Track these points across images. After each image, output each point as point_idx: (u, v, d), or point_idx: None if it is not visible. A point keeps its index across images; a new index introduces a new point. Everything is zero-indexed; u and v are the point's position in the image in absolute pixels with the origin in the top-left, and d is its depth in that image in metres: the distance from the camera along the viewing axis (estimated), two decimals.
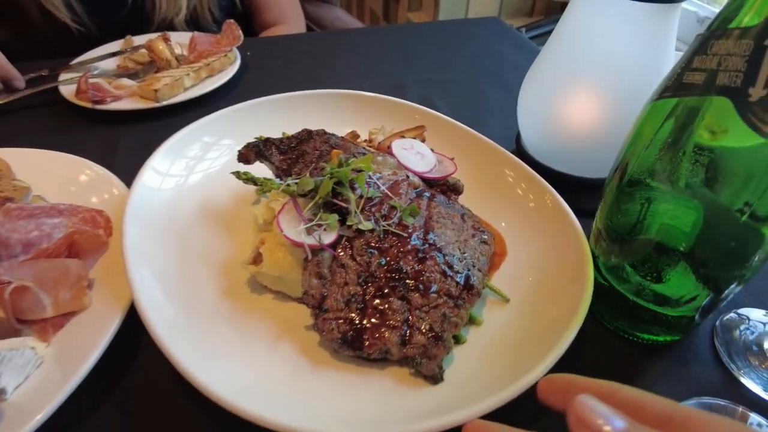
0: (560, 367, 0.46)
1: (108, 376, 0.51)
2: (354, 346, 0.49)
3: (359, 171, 0.56)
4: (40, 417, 0.45)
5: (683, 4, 0.63)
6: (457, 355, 0.51)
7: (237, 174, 0.60)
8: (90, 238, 0.60)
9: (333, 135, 0.66)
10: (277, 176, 0.62)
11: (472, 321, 0.55)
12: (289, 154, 0.62)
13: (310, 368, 0.50)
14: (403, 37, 1.28)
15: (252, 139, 0.66)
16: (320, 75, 1.06)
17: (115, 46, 1.07)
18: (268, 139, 0.64)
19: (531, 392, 0.41)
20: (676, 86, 0.45)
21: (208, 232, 0.64)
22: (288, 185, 0.56)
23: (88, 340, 0.51)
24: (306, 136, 0.64)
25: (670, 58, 0.66)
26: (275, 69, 1.08)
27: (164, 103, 0.89)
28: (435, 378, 0.48)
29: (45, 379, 0.49)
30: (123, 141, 0.84)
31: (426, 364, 0.48)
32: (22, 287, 0.52)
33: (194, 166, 0.69)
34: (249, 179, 0.60)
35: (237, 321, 0.54)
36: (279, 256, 0.54)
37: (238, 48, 1.04)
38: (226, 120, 0.73)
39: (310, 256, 0.51)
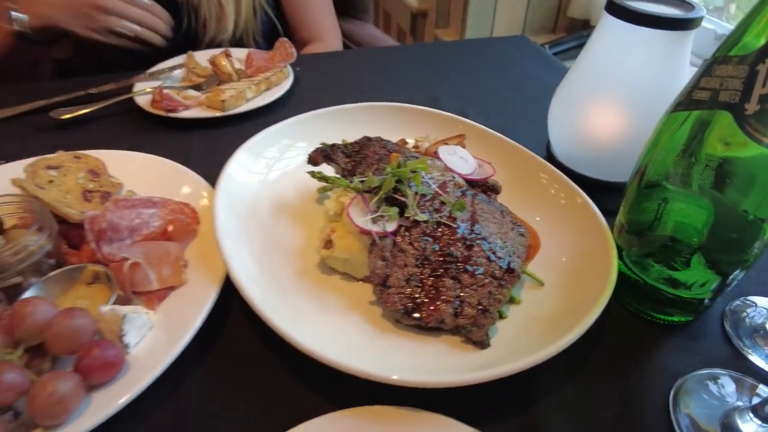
0: (586, 339, 0.55)
1: (203, 340, 0.60)
2: (414, 316, 0.58)
3: (414, 171, 0.66)
4: (156, 371, 0.54)
5: (703, 22, 0.72)
6: (499, 328, 0.61)
7: (312, 173, 0.71)
8: (182, 226, 0.70)
9: (389, 141, 0.76)
10: (342, 176, 0.72)
11: (511, 300, 0.64)
12: (353, 157, 0.72)
13: (377, 334, 0.59)
14: (437, 54, 1.39)
15: (318, 145, 0.76)
16: (362, 88, 1.17)
17: (177, 60, 1.18)
18: (334, 145, 0.74)
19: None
20: (687, 102, 0.55)
21: (279, 221, 0.74)
22: (356, 183, 0.66)
23: (190, 309, 0.60)
24: (366, 141, 0.74)
25: (685, 75, 0.75)
26: (322, 83, 1.18)
27: (229, 112, 1.00)
28: (483, 343, 0.57)
29: (156, 340, 0.59)
30: (194, 145, 0.95)
31: (476, 332, 0.57)
32: (135, 263, 0.62)
33: (270, 164, 0.81)
34: (321, 177, 0.70)
35: (312, 296, 0.64)
36: (348, 241, 0.64)
37: (290, 64, 1.15)
38: (294, 126, 0.85)
39: (377, 241, 0.61)
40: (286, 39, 1.16)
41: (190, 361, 0.59)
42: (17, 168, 0.79)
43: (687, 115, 0.56)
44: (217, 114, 1.00)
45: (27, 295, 0.60)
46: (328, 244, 0.65)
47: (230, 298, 0.64)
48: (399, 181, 0.65)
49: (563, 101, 0.82)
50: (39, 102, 1.04)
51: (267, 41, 1.42)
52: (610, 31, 0.74)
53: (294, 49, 1.14)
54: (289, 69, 1.14)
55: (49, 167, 0.76)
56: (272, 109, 1.05)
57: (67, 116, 1.01)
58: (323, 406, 0.53)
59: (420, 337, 0.60)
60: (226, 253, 0.62)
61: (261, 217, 0.73)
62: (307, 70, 1.20)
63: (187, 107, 1.01)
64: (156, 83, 1.09)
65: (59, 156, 0.79)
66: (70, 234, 0.68)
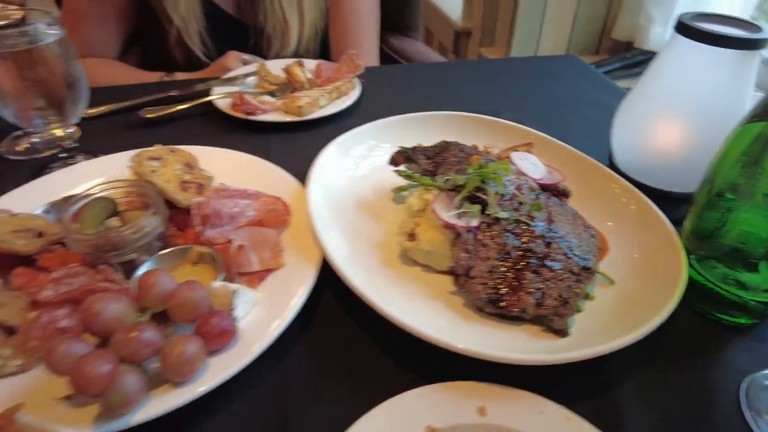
0: (655, 334, 0.58)
1: (299, 318, 0.65)
2: (497, 304, 0.63)
3: (496, 173, 0.71)
4: (265, 342, 0.59)
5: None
6: (575, 320, 0.65)
7: (399, 171, 0.76)
8: (276, 216, 0.76)
9: (466, 145, 0.81)
10: (423, 176, 0.77)
11: (585, 296, 0.68)
12: (433, 159, 0.78)
13: (460, 320, 0.64)
14: (490, 70, 1.45)
15: (397, 147, 0.82)
16: (423, 100, 1.23)
17: (250, 68, 1.26)
18: (415, 147, 0.80)
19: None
20: (763, 113, 0.59)
21: (360, 215, 0.80)
22: (439, 181, 0.71)
23: (290, 289, 0.66)
24: (445, 145, 0.80)
25: (749, 94, 0.79)
26: (385, 94, 1.25)
27: (305, 117, 1.06)
28: (563, 332, 0.61)
29: (259, 316, 0.64)
30: (272, 146, 1.01)
31: (557, 320, 0.61)
32: (240, 246, 0.68)
33: (357, 162, 0.88)
34: (408, 176, 0.75)
35: (396, 283, 0.69)
36: (431, 235, 0.69)
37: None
38: (379, 128, 0.93)
39: (464, 235, 0.66)
40: (354, 52, 1.23)
41: (289, 338, 0.64)
42: (119, 159, 0.87)
43: (759, 126, 0.60)
44: (293, 119, 1.06)
45: (141, 270, 0.66)
46: (412, 236, 0.71)
47: (322, 283, 0.69)
48: (481, 181, 0.70)
49: (630, 116, 0.87)
50: (127, 102, 1.13)
51: (322, 58, 1.50)
52: (679, 50, 0.78)
53: (361, 62, 1.21)
54: (357, 80, 1.20)
55: (151, 158, 0.82)
56: (342, 117, 1.12)
57: (152, 115, 1.09)
58: (413, 381, 0.57)
59: (500, 325, 0.64)
60: (322, 238, 0.68)
61: (345, 209, 0.79)
62: (371, 81, 1.26)
63: (264, 111, 1.08)
64: (231, 88, 1.17)
65: (158, 149, 0.85)
66: (176, 218, 0.74)
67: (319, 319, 0.67)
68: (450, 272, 0.71)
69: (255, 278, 0.69)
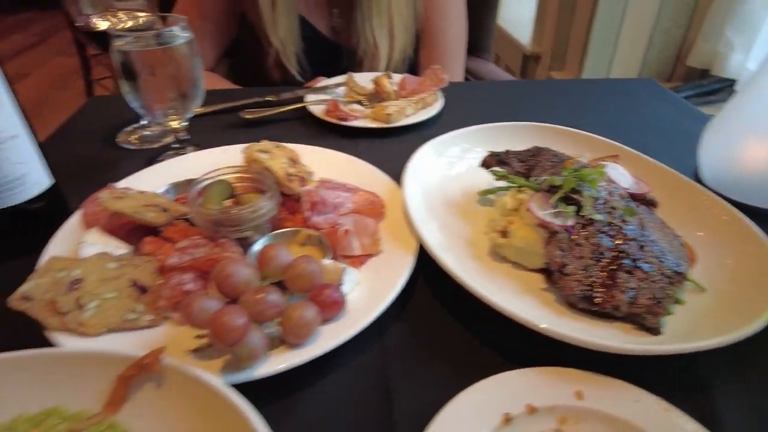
0: (755, 341, 0.59)
1: (397, 301, 0.70)
2: (591, 301, 0.65)
3: (592, 177, 0.74)
4: (370, 317, 0.64)
5: None
6: (666, 321, 0.66)
7: (494, 172, 0.80)
8: (373, 209, 0.82)
9: (557, 152, 0.85)
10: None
11: (676, 301, 0.69)
12: (526, 162, 0.81)
13: (553, 315, 0.67)
14: (564, 89, 1.47)
15: (487, 152, 0.86)
16: (501, 115, 1.26)
17: (339, 79, 1.34)
18: (507, 151, 0.84)
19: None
20: None
21: (448, 212, 0.84)
22: (533, 182, 0.75)
23: (389, 273, 0.71)
24: (537, 150, 0.84)
25: None
26: (467, 108, 1.30)
27: (393, 124, 1.13)
28: (656, 330, 0.63)
29: (361, 294, 0.69)
30: (362, 149, 1.08)
31: (650, 318, 0.63)
32: (346, 230, 0.74)
33: (452, 162, 0.92)
34: (503, 176, 0.79)
35: (488, 276, 0.72)
36: (525, 232, 0.73)
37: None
38: (473, 133, 0.98)
39: (559, 233, 0.69)
40: (438, 67, 1.29)
41: (388, 317, 0.68)
42: (227, 151, 0.95)
43: None
44: (382, 125, 1.13)
45: (256, 247, 0.73)
46: (504, 233, 0.74)
47: (415, 272, 0.73)
48: (577, 183, 0.73)
49: (723, 133, 0.88)
50: (228, 103, 1.23)
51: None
52: None
53: (446, 76, 1.27)
54: (440, 93, 1.26)
55: (260, 151, 0.90)
56: (426, 126, 1.17)
57: (251, 116, 1.18)
58: (504, 365, 0.60)
59: (593, 321, 0.66)
60: (419, 226, 0.72)
61: (435, 206, 0.83)
62: (453, 96, 1.32)
63: (355, 118, 1.15)
64: (324, 96, 1.25)
65: (265, 144, 0.93)
66: (286, 204, 0.81)
67: (414, 303, 0.71)
68: (539, 270, 0.74)
69: (356, 261, 0.74)
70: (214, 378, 0.52)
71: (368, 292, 0.69)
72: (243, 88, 1.36)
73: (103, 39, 1.02)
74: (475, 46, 2.03)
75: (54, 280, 0.65)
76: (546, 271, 0.73)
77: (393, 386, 0.60)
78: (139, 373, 0.53)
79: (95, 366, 0.55)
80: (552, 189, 0.73)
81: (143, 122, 1.17)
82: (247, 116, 1.17)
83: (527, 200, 0.73)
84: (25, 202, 0.77)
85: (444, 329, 0.68)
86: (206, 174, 0.79)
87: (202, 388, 0.51)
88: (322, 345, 0.60)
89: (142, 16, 1.06)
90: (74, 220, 0.80)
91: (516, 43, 2.96)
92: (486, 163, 0.84)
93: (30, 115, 0.77)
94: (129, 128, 1.17)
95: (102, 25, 1.03)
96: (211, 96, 1.24)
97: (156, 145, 1.11)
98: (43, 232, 0.77)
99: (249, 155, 0.86)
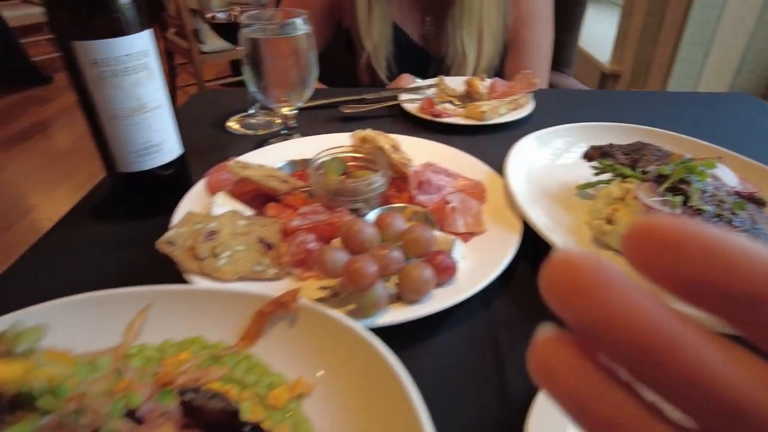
0: None
1: (503, 276, 0.73)
2: None
3: (702, 169, 0.74)
4: (478, 285, 0.67)
5: None
6: None
7: (599, 162, 0.83)
8: (476, 192, 0.85)
9: (661, 146, 0.86)
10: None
11: None
12: (630, 155, 0.83)
13: None
14: (652, 101, 1.46)
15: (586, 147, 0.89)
16: (595, 121, 1.28)
17: (430, 81, 1.40)
18: (612, 144, 0.86)
19: None
20: None
21: (545, 202, 0.86)
22: (644, 172, 0.76)
23: (495, 251, 0.74)
24: (641, 145, 0.85)
25: None
26: (554, 112, 1.32)
27: (486, 122, 1.16)
28: None
29: (467, 267, 0.72)
30: (454, 145, 1.11)
31: None
32: (453, 207, 0.78)
33: (556, 153, 0.95)
34: (608, 165, 0.81)
35: None
36: (631, 219, 0.74)
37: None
38: (575, 129, 1.01)
39: None
40: (530, 72, 1.32)
41: (494, 292, 0.71)
42: (333, 137, 1.02)
43: None
44: (476, 122, 1.17)
45: (368, 218, 0.78)
46: (610, 221, 0.76)
47: (517, 253, 0.76)
48: (686, 174, 0.74)
49: None
50: (329, 99, 1.31)
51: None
52: None
53: (537, 80, 1.29)
54: (531, 96, 1.29)
55: (366, 137, 0.96)
56: (516, 125, 1.20)
57: (350, 111, 1.25)
58: None
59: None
60: (524, 206, 0.75)
61: (535, 193, 0.86)
62: (541, 102, 1.34)
63: (449, 115, 1.19)
64: (416, 96, 1.31)
65: (369, 131, 0.99)
66: (394, 182, 0.86)
67: (517, 282, 0.74)
68: None
69: (461, 239, 0.77)
70: (349, 319, 0.56)
71: (474, 265, 0.72)
72: (339, 88, 1.44)
73: (227, 30, 1.13)
74: (557, 61, 2.04)
75: (192, 230, 0.73)
76: None
77: (502, 352, 0.63)
78: (276, 310, 0.58)
79: (234, 303, 0.61)
80: (660, 179, 0.75)
81: (250, 111, 1.26)
82: (346, 111, 1.24)
83: (634, 188, 0.75)
84: (161, 167, 0.86)
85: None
86: (323, 151, 0.86)
87: (335, 328, 0.56)
88: (436, 304, 0.64)
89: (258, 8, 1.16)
90: (199, 187, 0.88)
91: (594, 61, 2.94)
92: (589, 156, 0.86)
93: None
94: (237, 116, 1.26)
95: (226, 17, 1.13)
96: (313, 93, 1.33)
97: (262, 132, 1.20)
98: (173, 196, 0.85)
99: (361, 136, 0.92)
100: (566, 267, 0.17)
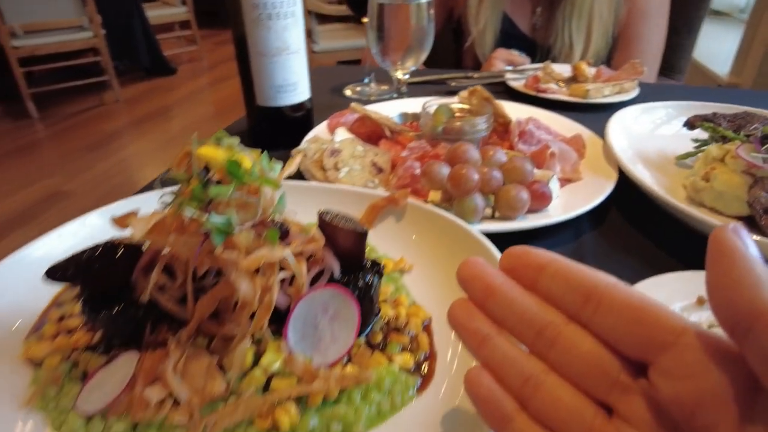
0: None
1: (594, 214, 0.77)
2: None
3: None
4: (568, 215, 0.73)
5: None
6: None
7: (702, 125, 0.85)
8: (576, 144, 0.90)
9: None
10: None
11: None
12: (735, 122, 0.84)
13: None
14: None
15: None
16: None
17: (537, 65, 1.45)
18: (715, 113, 0.88)
19: None
20: None
21: (645, 164, 0.89)
22: (742, 135, 0.78)
23: (589, 194, 0.78)
24: (746, 114, 0.86)
25: None
26: (656, 99, 1.33)
27: (589, 100, 1.21)
28: None
29: (560, 204, 0.78)
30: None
31: None
32: (551, 152, 0.84)
33: (654, 124, 0.98)
34: (711, 128, 0.83)
35: None
36: (728, 177, 0.76)
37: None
38: (681, 105, 1.04)
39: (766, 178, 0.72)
40: (638, 60, 1.34)
41: (586, 226, 0.76)
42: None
43: None
44: (579, 100, 1.21)
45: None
46: (707, 179, 0.78)
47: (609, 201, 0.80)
48: None
49: None
50: (437, 75, 1.40)
51: None
52: None
53: (644, 69, 1.31)
54: (636, 83, 1.31)
55: (474, 90, 1.04)
56: (618, 107, 1.22)
57: (456, 84, 1.34)
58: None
59: None
60: (621, 156, 0.80)
61: (634, 156, 0.89)
62: (647, 93, 1.35)
63: (553, 92, 1.25)
64: (521, 76, 1.37)
65: (474, 89, 1.07)
66: (497, 130, 0.93)
67: (608, 224, 0.78)
68: (736, 217, 0.76)
69: (563, 182, 0.83)
70: (449, 214, 0.64)
71: (566, 203, 0.78)
72: (446, 69, 1.54)
73: (356, 2, 1.26)
74: (668, 65, 2.00)
75: (319, 147, 0.84)
76: (743, 219, 0.75)
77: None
78: (388, 204, 0.68)
79: (356, 198, 0.71)
80: (765, 139, 0.76)
81: (365, 81, 1.39)
82: (453, 84, 1.33)
83: (734, 148, 0.77)
84: (292, 107, 0.99)
85: (635, 244, 0.74)
86: (434, 99, 0.95)
87: (439, 221, 0.64)
88: (528, 222, 0.70)
89: None
90: (321, 127, 1.01)
91: (710, 73, 2.82)
92: (690, 123, 0.88)
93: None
94: (353, 85, 1.39)
95: None
96: (421, 72, 1.44)
97: (374, 99, 1.32)
98: (299, 136, 0.98)
99: (471, 90, 1.00)
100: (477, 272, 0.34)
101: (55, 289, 0.60)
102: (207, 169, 0.42)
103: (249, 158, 0.43)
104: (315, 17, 4.24)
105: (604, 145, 0.90)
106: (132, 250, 0.47)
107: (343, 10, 4.03)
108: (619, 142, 0.87)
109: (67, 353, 0.51)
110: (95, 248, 0.46)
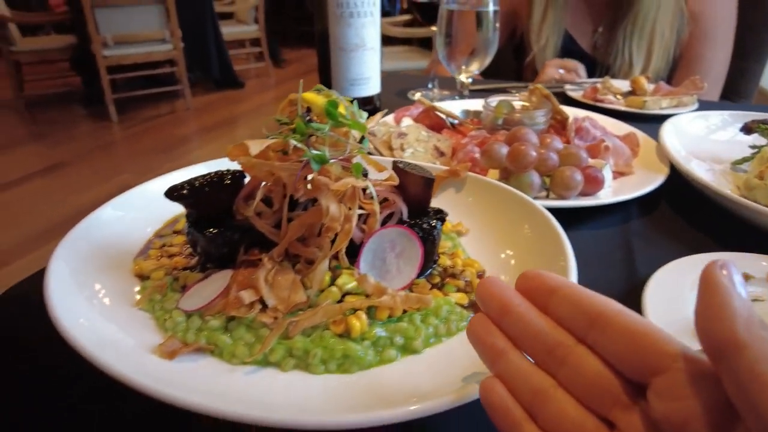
0: None
1: (642, 202, 0.81)
2: None
3: None
4: (613, 199, 0.77)
5: None
6: None
7: (759, 127, 0.88)
8: (630, 142, 0.94)
9: None
10: None
11: None
12: None
13: None
14: None
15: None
16: None
17: (594, 79, 1.50)
18: None
19: None
20: None
21: (702, 168, 0.92)
22: None
23: (639, 185, 0.83)
24: None
25: None
26: None
27: (645, 111, 1.24)
28: None
29: (611, 192, 0.82)
30: None
31: None
32: (606, 146, 0.88)
33: (696, 128, 1.01)
34: (765, 130, 0.86)
35: None
36: None
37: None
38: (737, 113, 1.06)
39: None
40: (698, 77, 1.36)
41: (635, 212, 0.80)
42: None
43: None
44: (636, 110, 1.25)
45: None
46: (761, 177, 0.80)
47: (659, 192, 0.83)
48: None
49: None
50: (500, 84, 1.47)
51: None
52: None
53: (705, 85, 1.33)
54: (695, 98, 1.33)
55: (535, 89, 1.09)
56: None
57: (516, 92, 1.40)
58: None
59: None
60: (673, 151, 0.83)
61: (688, 157, 0.93)
62: (706, 107, 1.37)
63: (610, 103, 1.29)
64: (579, 88, 1.42)
65: (534, 87, 1.12)
66: (554, 126, 0.99)
67: (656, 215, 0.82)
68: None
69: (616, 175, 0.87)
70: (505, 185, 0.70)
71: (618, 191, 0.82)
72: (506, 80, 1.61)
73: (426, 10, 1.35)
74: (733, 89, 1.99)
75: (387, 130, 0.92)
76: None
77: (633, 250, 0.72)
78: (450, 176, 0.74)
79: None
80: None
81: (429, 86, 1.47)
82: (513, 92, 1.40)
83: None
84: (364, 98, 1.08)
85: (679, 229, 0.77)
86: (496, 95, 1.02)
87: (496, 191, 0.70)
88: (580, 203, 0.75)
89: None
90: (388, 118, 1.09)
91: None
92: (748, 128, 0.91)
93: None
94: (417, 89, 1.48)
95: None
96: (483, 81, 1.51)
97: (437, 101, 1.40)
98: None
99: (531, 89, 1.06)
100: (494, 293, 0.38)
101: (156, 220, 0.70)
102: (309, 110, 0.50)
103: (344, 104, 0.51)
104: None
105: (657, 145, 0.94)
106: (237, 180, 0.55)
107: (406, 32, 4.18)
108: (673, 141, 0.91)
109: (169, 270, 0.60)
110: (207, 175, 0.55)
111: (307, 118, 0.50)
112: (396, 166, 0.57)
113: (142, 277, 0.61)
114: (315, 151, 0.49)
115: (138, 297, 0.57)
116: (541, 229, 0.61)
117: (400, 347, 0.50)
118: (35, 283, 0.55)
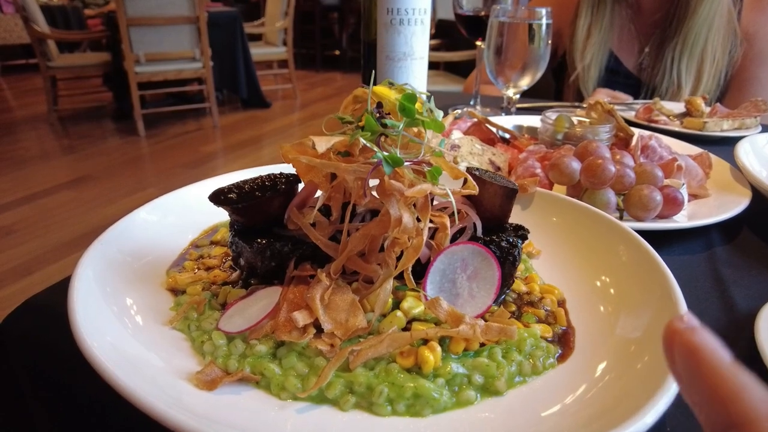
0: None
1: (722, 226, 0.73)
2: None
3: None
4: (701, 221, 0.69)
5: None
6: None
7: None
8: (702, 162, 0.86)
9: None
10: None
11: None
12: None
13: None
14: None
15: None
16: None
17: (643, 101, 1.42)
18: None
19: None
20: None
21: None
22: None
23: (719, 209, 0.74)
24: None
25: None
26: None
27: (705, 133, 1.16)
28: None
29: (688, 214, 0.74)
30: None
31: None
32: (678, 165, 0.80)
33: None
34: None
35: None
36: None
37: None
38: None
39: None
40: (760, 99, 1.28)
41: (718, 238, 0.72)
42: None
43: None
44: (693, 132, 1.17)
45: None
46: None
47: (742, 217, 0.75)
48: None
49: None
50: (546, 103, 1.41)
51: None
52: None
53: (767, 107, 1.25)
54: (758, 120, 1.25)
55: (595, 105, 1.02)
56: (734, 142, 1.17)
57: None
58: None
59: None
60: (756, 175, 0.75)
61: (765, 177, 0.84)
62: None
63: (665, 123, 1.21)
64: (629, 109, 1.35)
65: (595, 102, 1.05)
66: (618, 143, 0.91)
67: (740, 240, 0.73)
68: None
69: (690, 197, 0.79)
70: (582, 203, 0.63)
71: (695, 214, 0.74)
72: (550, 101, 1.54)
73: (472, 24, 1.29)
74: None
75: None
76: None
77: (723, 279, 0.63)
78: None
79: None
80: None
81: (471, 103, 1.41)
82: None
83: None
84: None
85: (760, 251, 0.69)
86: (554, 109, 0.95)
87: (573, 211, 0.63)
88: (659, 225, 0.67)
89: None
90: None
91: None
92: None
93: None
94: (458, 106, 1.42)
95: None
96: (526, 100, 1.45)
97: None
98: None
99: (591, 103, 0.99)
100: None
101: (193, 228, 0.64)
102: (380, 105, 0.44)
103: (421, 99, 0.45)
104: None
105: (731, 168, 0.86)
106: (291, 186, 0.49)
107: (434, 56, 4.16)
108: (753, 163, 0.83)
109: (206, 285, 0.54)
110: (258, 179, 0.48)
111: (378, 114, 0.43)
112: (471, 174, 0.51)
113: (176, 291, 0.54)
114: (385, 153, 0.43)
115: (171, 314, 0.51)
116: (632, 255, 0.54)
117: (479, 387, 0.42)
118: (59, 292, 0.49)
